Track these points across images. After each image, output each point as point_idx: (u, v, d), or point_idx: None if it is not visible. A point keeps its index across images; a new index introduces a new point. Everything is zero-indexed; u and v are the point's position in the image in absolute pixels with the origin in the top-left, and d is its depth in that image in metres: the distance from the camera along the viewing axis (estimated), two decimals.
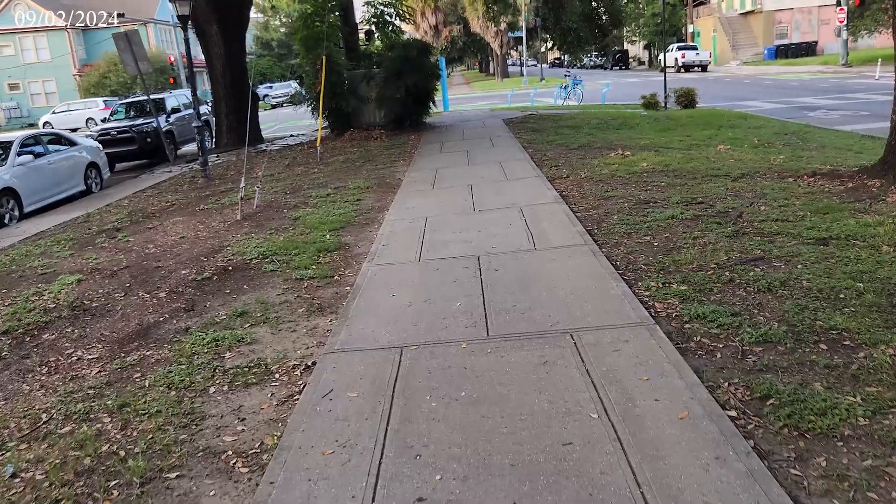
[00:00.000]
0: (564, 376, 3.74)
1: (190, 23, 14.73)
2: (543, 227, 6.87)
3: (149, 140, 18.30)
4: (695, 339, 4.14)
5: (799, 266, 5.13)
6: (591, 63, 73.26)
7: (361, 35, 23.36)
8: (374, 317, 4.95)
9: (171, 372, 4.45)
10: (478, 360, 4.05)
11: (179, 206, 10.77)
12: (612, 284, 5.08)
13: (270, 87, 51.47)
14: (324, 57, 15.77)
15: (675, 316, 4.50)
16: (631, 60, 68.43)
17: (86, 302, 6.12)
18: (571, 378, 3.72)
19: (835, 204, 6.78)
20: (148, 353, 4.85)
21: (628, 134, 13.86)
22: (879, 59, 28.01)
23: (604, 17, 20.37)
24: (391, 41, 18.92)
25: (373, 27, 20.42)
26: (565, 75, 25.56)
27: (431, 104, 18.33)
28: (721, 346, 4.04)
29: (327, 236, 7.55)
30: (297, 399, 3.90)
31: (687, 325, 4.33)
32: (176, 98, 21.10)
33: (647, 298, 4.83)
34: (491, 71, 72.74)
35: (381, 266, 6.19)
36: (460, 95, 39.21)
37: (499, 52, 53.15)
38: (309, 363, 4.38)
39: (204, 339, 4.93)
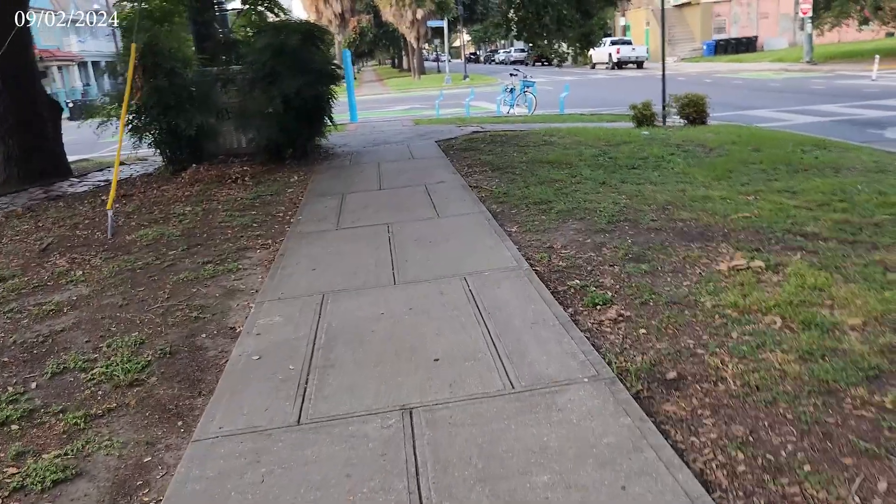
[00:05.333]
0: None
1: None
2: None
3: None
4: None
5: None
6: (510, 59, 67.54)
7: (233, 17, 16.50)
8: None
9: None
10: None
11: None
12: None
13: None
14: (133, 46, 9.08)
15: None
16: (552, 56, 62.96)
17: None
18: None
19: None
20: None
21: (671, 184, 7.86)
22: (877, 56, 23.39)
23: None
24: (262, 23, 12.23)
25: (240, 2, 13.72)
26: (512, 74, 19.47)
27: (328, 121, 11.73)
28: None
29: None
30: None
31: None
32: None
33: None
34: (405, 66, 66.53)
35: None
36: (372, 97, 32.77)
37: (415, 46, 46.81)
38: None
39: None
